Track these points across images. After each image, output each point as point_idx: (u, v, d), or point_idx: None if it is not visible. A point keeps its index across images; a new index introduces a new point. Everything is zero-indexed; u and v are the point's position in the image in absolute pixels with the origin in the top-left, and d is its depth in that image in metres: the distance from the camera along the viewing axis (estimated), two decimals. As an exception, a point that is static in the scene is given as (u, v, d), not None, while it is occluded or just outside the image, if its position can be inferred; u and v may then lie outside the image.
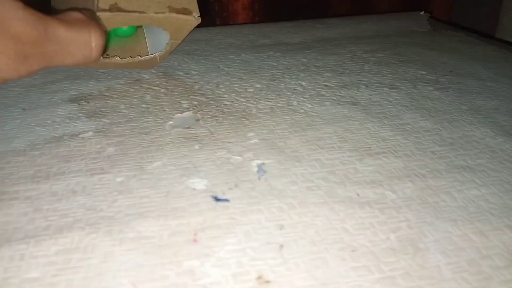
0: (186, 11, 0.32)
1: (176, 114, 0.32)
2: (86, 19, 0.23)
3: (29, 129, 0.30)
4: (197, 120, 0.32)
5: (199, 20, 0.33)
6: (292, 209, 0.22)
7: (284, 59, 0.44)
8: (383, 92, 0.36)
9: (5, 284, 0.18)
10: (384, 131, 0.30)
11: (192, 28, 0.34)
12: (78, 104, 0.34)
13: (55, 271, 0.18)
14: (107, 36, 0.35)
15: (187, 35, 0.35)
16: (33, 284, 0.18)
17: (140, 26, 0.38)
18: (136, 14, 0.30)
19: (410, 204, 0.22)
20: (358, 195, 0.23)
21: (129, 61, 0.36)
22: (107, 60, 0.35)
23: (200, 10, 0.33)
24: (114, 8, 0.29)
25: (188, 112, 0.33)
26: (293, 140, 0.28)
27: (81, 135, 0.29)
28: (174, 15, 0.31)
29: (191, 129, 0.30)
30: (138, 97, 0.35)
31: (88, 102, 0.34)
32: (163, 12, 0.31)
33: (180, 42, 0.36)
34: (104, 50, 0.26)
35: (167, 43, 0.36)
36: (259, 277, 0.18)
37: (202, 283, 0.18)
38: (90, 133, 0.29)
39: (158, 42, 0.37)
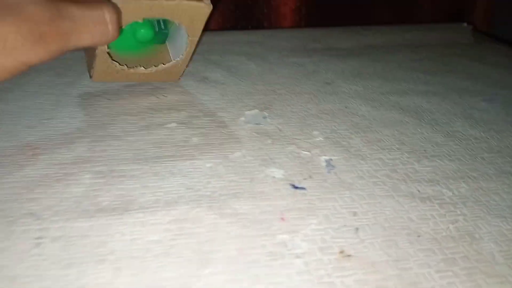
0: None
1: (246, 111, 0.36)
2: None
3: (119, 117, 0.34)
4: (265, 117, 0.35)
5: (211, 7, 0.33)
6: (362, 200, 0.26)
7: (336, 64, 0.48)
8: (432, 101, 0.39)
9: (133, 244, 0.22)
10: (437, 136, 0.33)
11: (206, 18, 0.34)
12: (157, 97, 0.38)
13: (172, 236, 0.22)
14: (128, 43, 0.37)
15: (202, 29, 0.35)
16: (157, 245, 0.22)
17: (163, 42, 0.39)
18: (147, 2, 0.30)
19: (465, 201, 0.26)
20: (418, 191, 0.27)
21: (153, 70, 0.36)
22: (131, 71, 0.36)
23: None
24: None
25: (256, 110, 0.37)
26: (355, 140, 0.32)
27: (166, 126, 0.33)
28: (185, 2, 0.32)
29: (261, 125, 0.34)
30: (209, 94, 0.39)
31: (165, 96, 0.38)
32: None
33: (197, 39, 0.36)
34: (121, 28, 0.28)
35: (186, 44, 0.36)
36: (341, 252, 0.22)
37: (294, 253, 0.22)
38: (174, 124, 0.34)
39: (180, 52, 0.37)
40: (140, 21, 0.32)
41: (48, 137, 0.31)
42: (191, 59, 0.39)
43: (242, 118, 0.35)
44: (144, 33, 0.36)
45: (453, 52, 0.53)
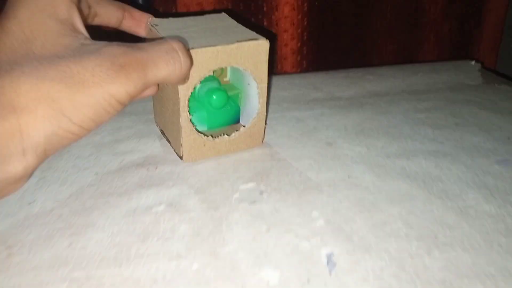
0: (253, 38, 0.34)
1: (241, 185, 0.33)
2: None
3: (105, 199, 0.32)
4: (261, 193, 0.32)
5: (268, 42, 0.34)
6: (366, 313, 0.22)
7: (338, 118, 0.44)
8: (442, 165, 0.36)
9: None
10: (449, 215, 0.30)
11: (267, 56, 0.35)
12: (147, 169, 0.35)
13: None
14: (206, 117, 0.38)
15: (267, 71, 0.36)
16: None
17: (238, 122, 0.40)
18: (213, 49, 0.32)
19: (483, 312, 0.22)
20: (430, 297, 0.23)
21: (237, 135, 0.37)
22: (217, 140, 0.36)
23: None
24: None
25: (252, 183, 0.34)
26: (359, 224, 0.29)
27: (154, 209, 0.30)
28: (244, 42, 0.33)
29: (257, 204, 0.31)
30: (203, 163, 0.36)
31: (156, 168, 0.36)
32: (233, 43, 0.33)
33: (266, 85, 0.36)
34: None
35: (258, 93, 0.36)
36: None
37: None
38: (162, 207, 0.31)
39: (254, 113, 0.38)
40: (211, 73, 0.33)
41: (26, 230, 0.28)
42: (267, 115, 0.39)
43: (236, 195, 0.32)
44: (217, 98, 0.36)
45: (462, 98, 0.49)
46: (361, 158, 0.37)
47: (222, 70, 0.40)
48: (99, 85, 0.23)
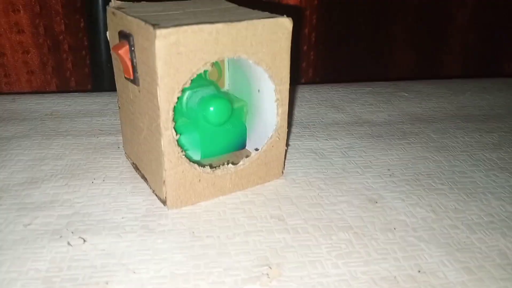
0: (270, 16, 0.23)
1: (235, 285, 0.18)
2: None
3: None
4: (271, 306, 0.17)
5: (291, 21, 0.23)
6: None
7: (376, 155, 0.30)
8: None
9: None
10: None
11: (289, 40, 0.23)
12: (68, 243, 0.20)
13: None
14: (199, 141, 0.25)
15: (289, 61, 0.24)
16: None
17: (243, 147, 0.28)
18: (209, 27, 0.21)
19: None
20: None
21: (246, 163, 0.25)
22: (219, 172, 0.24)
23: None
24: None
25: (252, 285, 0.18)
26: None
27: None
28: (256, 21, 0.22)
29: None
30: (169, 231, 0.21)
31: (84, 241, 0.20)
32: (240, 21, 0.22)
33: (287, 87, 0.24)
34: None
35: (276, 100, 0.24)
36: None
37: None
38: None
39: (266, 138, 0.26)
40: (207, 67, 0.21)
41: None
42: (288, 135, 0.27)
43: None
44: (217, 109, 0.24)
45: (535, 129, 0.35)
46: (431, 231, 0.22)
47: (220, 73, 0.27)
48: None
